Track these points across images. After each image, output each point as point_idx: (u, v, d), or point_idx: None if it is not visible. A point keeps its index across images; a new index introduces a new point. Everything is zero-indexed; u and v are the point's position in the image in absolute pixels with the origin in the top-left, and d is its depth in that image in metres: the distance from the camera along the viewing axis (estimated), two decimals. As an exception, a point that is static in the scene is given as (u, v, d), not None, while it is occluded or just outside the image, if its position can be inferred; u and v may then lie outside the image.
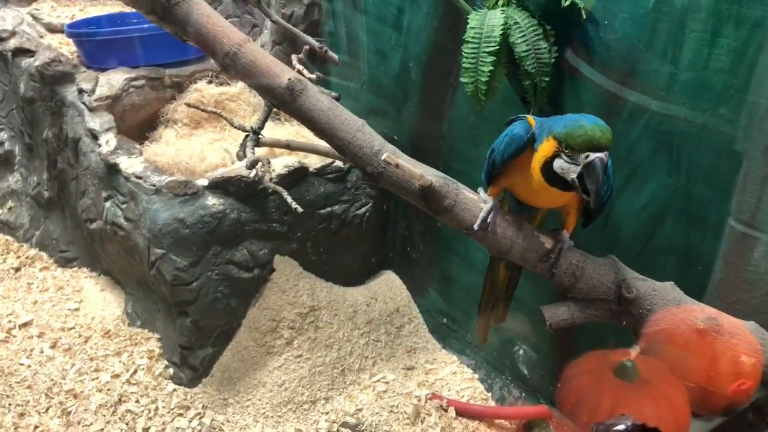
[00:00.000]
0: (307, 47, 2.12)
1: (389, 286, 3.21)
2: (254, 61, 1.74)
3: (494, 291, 2.11)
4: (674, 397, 1.58)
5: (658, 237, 2.03)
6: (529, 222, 1.88)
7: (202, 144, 3.13)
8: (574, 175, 1.56)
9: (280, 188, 1.83)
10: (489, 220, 1.79)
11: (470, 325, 2.95)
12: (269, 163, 1.84)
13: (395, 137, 2.96)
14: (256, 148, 2.03)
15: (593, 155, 1.53)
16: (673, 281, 1.77)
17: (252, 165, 1.92)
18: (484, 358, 2.90)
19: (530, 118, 1.76)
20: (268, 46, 3.37)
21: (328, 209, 2.96)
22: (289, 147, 2.03)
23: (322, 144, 1.89)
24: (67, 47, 3.54)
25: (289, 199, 1.73)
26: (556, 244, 1.77)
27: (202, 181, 2.71)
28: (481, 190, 1.88)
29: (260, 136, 2.03)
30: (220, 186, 2.70)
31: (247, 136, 2.04)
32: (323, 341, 2.87)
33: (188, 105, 2.29)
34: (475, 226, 1.77)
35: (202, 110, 1.99)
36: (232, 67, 1.76)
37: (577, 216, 1.82)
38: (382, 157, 1.69)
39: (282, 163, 2.83)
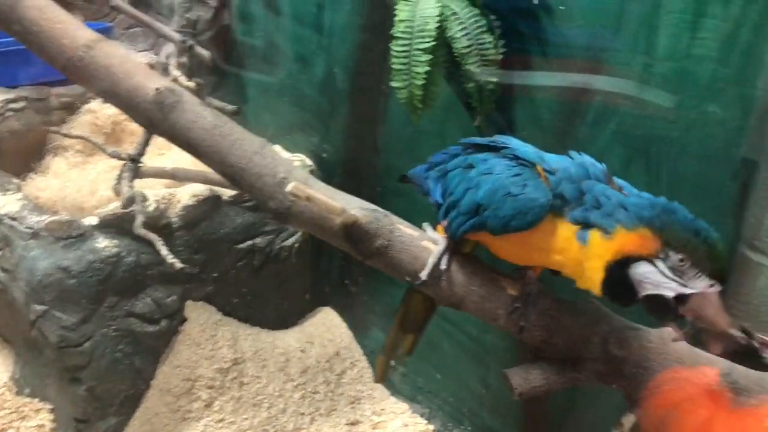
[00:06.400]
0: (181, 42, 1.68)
1: (327, 325, 2.88)
2: (109, 68, 1.29)
3: (407, 323, 1.68)
4: None
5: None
6: None
7: (97, 173, 2.71)
8: (670, 293, 1.13)
9: (152, 236, 1.41)
10: (443, 266, 1.37)
11: (421, 368, 2.61)
12: (144, 200, 1.41)
13: (323, 155, 2.71)
14: (136, 180, 1.59)
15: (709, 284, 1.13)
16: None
17: (129, 203, 1.48)
18: (439, 405, 2.58)
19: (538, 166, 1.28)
20: (173, 58, 2.90)
21: (249, 243, 2.61)
22: (175, 177, 1.61)
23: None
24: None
25: (164, 252, 1.30)
26: (524, 288, 1.37)
27: (91, 220, 2.30)
28: (426, 225, 1.47)
29: (140, 164, 1.59)
30: (112, 224, 2.29)
31: (124, 166, 1.60)
32: (250, 400, 2.52)
33: (49, 130, 1.84)
34: (423, 275, 1.35)
35: (64, 135, 1.55)
36: (78, 76, 1.31)
37: None
38: (288, 188, 1.26)
39: (189, 192, 2.41)
